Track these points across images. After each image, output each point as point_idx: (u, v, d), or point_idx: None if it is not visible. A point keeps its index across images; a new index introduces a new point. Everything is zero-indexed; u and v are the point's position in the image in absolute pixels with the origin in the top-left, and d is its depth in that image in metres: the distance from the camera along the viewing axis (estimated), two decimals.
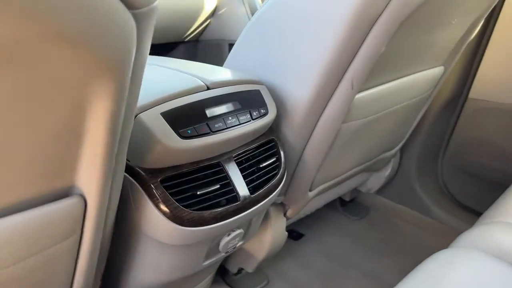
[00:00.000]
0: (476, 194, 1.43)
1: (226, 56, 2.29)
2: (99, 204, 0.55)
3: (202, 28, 2.08)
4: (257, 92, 0.81)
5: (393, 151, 1.34)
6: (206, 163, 0.73)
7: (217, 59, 2.07)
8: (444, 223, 1.48)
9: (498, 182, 1.34)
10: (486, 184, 1.39)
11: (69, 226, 0.54)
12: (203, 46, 2.18)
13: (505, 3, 1.22)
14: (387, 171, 1.44)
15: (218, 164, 0.75)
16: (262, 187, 0.80)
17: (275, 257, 1.27)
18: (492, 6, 1.04)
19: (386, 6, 0.74)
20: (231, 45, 2.07)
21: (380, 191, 1.57)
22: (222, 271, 1.19)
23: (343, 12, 0.75)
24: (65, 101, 0.43)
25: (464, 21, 1.03)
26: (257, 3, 1.85)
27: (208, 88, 0.74)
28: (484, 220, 0.82)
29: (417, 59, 1.02)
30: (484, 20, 1.11)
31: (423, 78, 1.11)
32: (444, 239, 1.44)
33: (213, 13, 2.01)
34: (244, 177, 0.77)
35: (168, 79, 0.76)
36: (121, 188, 0.63)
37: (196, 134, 0.68)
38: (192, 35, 2.07)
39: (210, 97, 0.73)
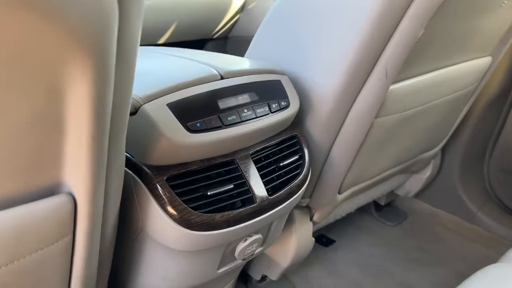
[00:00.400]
0: None
1: None
2: (91, 203, 0.48)
3: (231, 24, 2.02)
4: (278, 83, 0.73)
5: (433, 151, 1.22)
6: (219, 161, 0.66)
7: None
8: (490, 231, 1.34)
9: None
10: None
11: (57, 227, 0.48)
12: (232, 43, 2.13)
13: None
14: (426, 173, 1.32)
15: (233, 162, 0.67)
16: (282, 188, 0.72)
17: (302, 264, 1.18)
18: None
19: None
20: None
21: (419, 194, 1.44)
22: (245, 278, 1.12)
23: None
24: (37, 82, 0.37)
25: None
26: None
27: (221, 78, 0.67)
28: None
29: (461, 48, 0.91)
30: None
31: (467, 69, 0.99)
32: (490, 249, 1.31)
33: (242, 8, 1.95)
34: (262, 176, 0.70)
35: (178, 68, 0.69)
36: (121, 186, 0.57)
37: (206, 127, 0.61)
38: (221, 31, 2.02)
39: (224, 87, 0.65)
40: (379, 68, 0.74)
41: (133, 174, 0.61)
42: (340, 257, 1.25)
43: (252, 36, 2.27)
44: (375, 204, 1.44)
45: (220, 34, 2.04)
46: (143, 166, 0.61)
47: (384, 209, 1.46)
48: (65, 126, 0.41)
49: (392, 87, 0.80)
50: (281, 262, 0.99)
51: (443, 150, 1.34)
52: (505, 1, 0.86)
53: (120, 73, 0.42)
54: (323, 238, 1.31)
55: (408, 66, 0.79)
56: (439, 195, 1.42)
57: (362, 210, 1.41)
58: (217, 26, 1.98)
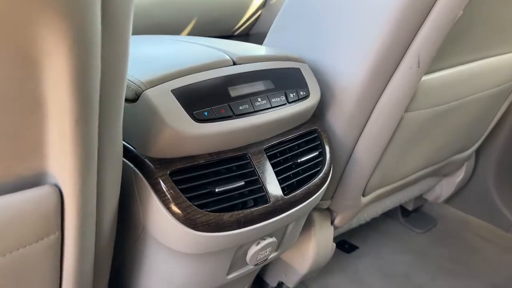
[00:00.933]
0: None
1: None
2: (79, 196, 0.43)
3: (253, 21, 1.96)
4: (297, 71, 0.67)
5: (467, 153, 1.13)
6: (229, 155, 0.59)
7: None
8: None
9: None
10: None
11: (42, 222, 0.43)
12: (254, 40, 2.06)
13: None
14: (459, 177, 1.23)
15: (244, 157, 0.61)
16: (300, 187, 0.65)
17: (322, 271, 1.10)
18: None
19: None
20: None
21: (450, 200, 1.34)
22: (260, 284, 1.05)
23: None
24: (6, 49, 0.31)
25: None
26: None
27: (234, 64, 0.60)
28: None
29: (505, 37, 0.82)
30: None
31: (508, 62, 0.90)
32: None
33: (264, 4, 1.89)
34: (277, 173, 0.63)
35: (187, 52, 0.63)
36: (119, 179, 0.51)
37: (215, 117, 0.55)
38: (242, 28, 1.96)
39: (236, 74, 0.59)
40: (411, 56, 0.66)
41: (134, 167, 0.55)
42: (363, 264, 1.17)
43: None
44: (402, 209, 1.35)
45: (241, 31, 1.98)
46: (144, 159, 0.55)
47: (412, 214, 1.36)
48: (45, 107, 0.36)
49: (424, 78, 0.72)
50: (299, 269, 0.92)
51: (478, 152, 1.24)
52: None
53: (108, 48, 0.36)
54: (345, 244, 1.23)
55: (443, 54, 0.71)
56: (472, 201, 1.32)
57: (387, 215, 1.32)
58: (238, 23, 1.92)
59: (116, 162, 0.49)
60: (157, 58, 0.61)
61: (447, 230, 1.33)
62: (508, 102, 1.06)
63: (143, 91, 0.53)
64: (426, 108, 0.77)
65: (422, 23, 0.63)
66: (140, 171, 0.55)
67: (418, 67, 0.66)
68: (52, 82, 0.34)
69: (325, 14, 0.72)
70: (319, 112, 0.73)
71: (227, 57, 0.61)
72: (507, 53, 0.88)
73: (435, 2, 0.61)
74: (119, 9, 0.35)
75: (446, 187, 1.25)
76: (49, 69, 0.33)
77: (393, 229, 1.32)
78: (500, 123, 1.14)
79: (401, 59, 0.67)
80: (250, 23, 1.99)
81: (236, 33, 1.98)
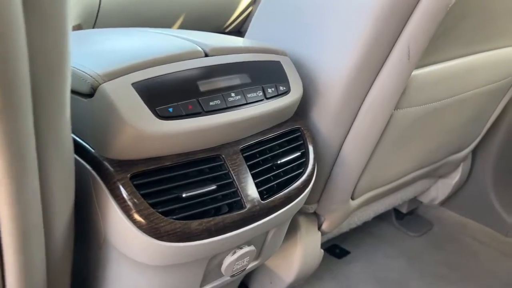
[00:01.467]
0: None
1: None
2: (12, 203, 0.37)
3: (244, 17, 1.91)
4: (277, 64, 0.61)
5: (463, 153, 1.07)
6: (199, 156, 0.54)
7: None
8: None
9: None
10: None
11: None
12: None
13: None
14: (455, 178, 1.17)
15: (218, 158, 0.55)
16: (280, 191, 0.60)
17: (312, 277, 1.05)
18: None
19: None
20: None
21: (446, 202, 1.29)
22: None
23: None
24: None
25: None
26: None
27: (206, 55, 0.55)
28: None
29: (502, 30, 0.77)
30: None
31: (506, 56, 0.85)
32: None
33: (254, 0, 1.84)
34: (255, 176, 0.57)
35: (154, 43, 0.58)
36: (72, 183, 0.46)
37: (181, 113, 0.50)
38: (233, 25, 1.91)
39: (207, 66, 0.54)
40: (400, 47, 0.61)
41: (92, 170, 0.50)
42: (354, 270, 1.11)
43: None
44: (396, 212, 1.30)
45: (233, 27, 1.93)
46: (103, 160, 0.49)
47: (406, 217, 1.31)
48: None
49: (416, 72, 0.66)
50: (285, 277, 0.86)
51: (475, 152, 1.19)
52: None
53: (37, 34, 0.31)
54: (336, 249, 1.18)
55: (435, 47, 0.66)
56: (468, 204, 1.26)
57: (381, 218, 1.26)
58: (228, 19, 1.87)
59: (65, 164, 0.43)
60: (120, 50, 0.55)
61: (443, 233, 1.27)
62: (506, 99, 1.00)
63: (100, 84, 0.47)
64: (418, 105, 0.72)
65: (413, 11, 0.58)
66: (98, 174, 0.49)
67: (409, 59, 0.61)
68: None
69: (309, 5, 0.66)
70: (303, 109, 0.68)
71: (199, 48, 0.55)
72: (504, 46, 0.83)
73: None
74: None
75: (441, 189, 1.20)
76: None
77: (386, 232, 1.27)
78: (497, 122, 1.09)
79: (390, 51, 0.61)
80: (241, 20, 1.94)
81: (228, 29, 1.92)
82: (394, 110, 0.68)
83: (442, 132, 0.88)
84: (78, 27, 1.24)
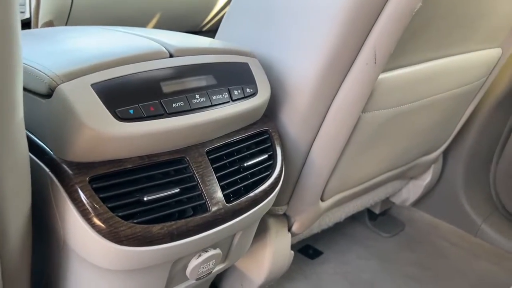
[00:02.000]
0: None
1: None
2: None
3: (220, 17, 1.90)
4: (244, 66, 0.61)
5: (434, 155, 1.09)
6: (163, 158, 0.53)
7: None
8: (497, 246, 1.21)
9: None
10: None
11: None
12: None
13: None
14: (426, 180, 1.19)
15: (182, 160, 0.54)
16: (246, 193, 0.59)
17: (284, 278, 1.05)
18: None
19: None
20: None
21: (418, 203, 1.31)
22: None
23: None
24: None
25: None
26: None
27: (171, 56, 0.54)
28: None
29: (467, 34, 0.78)
30: None
31: (474, 61, 0.86)
32: (495, 265, 1.17)
33: (231, 1, 1.82)
34: (220, 178, 0.57)
35: (116, 42, 0.57)
36: (27, 186, 0.44)
37: (142, 115, 0.49)
38: (209, 25, 1.90)
39: (171, 67, 0.53)
40: (367, 50, 0.61)
41: (49, 172, 0.48)
42: (327, 271, 1.12)
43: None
44: (369, 213, 1.31)
45: (209, 27, 1.92)
46: (61, 163, 0.48)
47: (379, 218, 1.32)
48: None
49: (382, 75, 0.67)
50: (255, 278, 0.86)
51: (445, 154, 1.21)
52: None
53: None
54: (309, 249, 1.18)
55: (403, 51, 0.66)
56: (440, 204, 1.28)
57: (354, 218, 1.27)
58: (205, 19, 1.85)
59: (19, 165, 0.42)
60: (82, 49, 0.54)
61: (414, 234, 1.29)
62: (475, 102, 1.02)
63: (58, 85, 0.46)
64: (386, 108, 0.72)
65: (378, 15, 0.58)
66: (56, 177, 0.48)
67: (375, 63, 0.61)
68: None
69: (278, 7, 0.66)
70: (271, 111, 0.68)
71: (163, 48, 0.54)
72: (473, 51, 0.84)
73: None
74: None
75: (413, 190, 1.21)
76: None
77: (359, 233, 1.28)
78: (468, 124, 1.11)
79: (356, 55, 0.62)
80: (217, 20, 1.93)
81: (204, 29, 1.91)
82: (362, 113, 0.69)
83: (412, 134, 0.89)
84: (49, 24, 1.21)
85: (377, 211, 1.30)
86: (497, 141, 1.19)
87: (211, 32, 2.02)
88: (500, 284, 1.12)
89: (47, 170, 0.49)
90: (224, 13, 2.06)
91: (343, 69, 0.62)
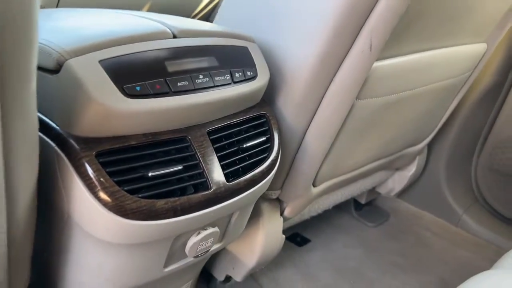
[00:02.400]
0: None
1: None
2: None
3: (213, 6, 1.90)
4: (244, 50, 0.62)
5: (419, 147, 1.12)
6: (166, 137, 0.54)
7: None
8: (476, 235, 1.25)
9: None
10: None
11: None
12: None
13: None
14: (411, 171, 1.23)
15: (184, 139, 0.56)
16: (245, 174, 0.61)
17: (273, 264, 1.07)
18: None
19: None
20: None
21: (402, 194, 1.35)
22: (208, 278, 1.01)
23: None
24: None
25: None
26: None
27: (174, 37, 0.55)
28: None
29: (455, 28, 0.81)
30: None
31: (460, 54, 0.90)
32: (475, 254, 1.22)
33: None
34: (221, 158, 0.58)
35: (122, 23, 0.58)
36: (35, 158, 0.45)
37: (149, 92, 0.50)
38: (201, 14, 1.90)
39: (175, 47, 0.54)
40: (363, 39, 0.63)
41: (56, 147, 0.49)
42: (314, 258, 1.15)
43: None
44: (355, 203, 1.34)
45: (200, 16, 1.92)
46: (68, 137, 0.49)
47: (365, 208, 1.36)
48: None
49: (377, 64, 0.69)
50: (246, 261, 0.88)
51: (429, 146, 1.25)
52: None
53: None
54: (297, 237, 1.21)
55: (395, 41, 0.69)
56: (423, 196, 1.33)
57: (340, 208, 1.31)
58: (196, 7, 1.86)
59: (30, 136, 0.43)
60: (87, 27, 0.55)
61: (399, 224, 1.33)
62: (459, 96, 1.06)
63: (66, 60, 0.47)
64: (378, 96, 0.75)
65: (375, 4, 0.60)
66: (63, 151, 0.49)
67: (370, 51, 0.64)
68: None
69: None
70: (269, 96, 0.69)
71: (167, 29, 0.55)
72: (460, 44, 0.88)
73: None
74: None
75: (398, 181, 1.25)
76: None
77: (345, 222, 1.31)
78: (452, 118, 1.15)
79: (352, 43, 0.64)
80: (209, 9, 1.93)
81: (197, 18, 1.91)
82: (356, 100, 0.71)
83: (400, 124, 0.92)
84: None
85: (363, 201, 1.33)
86: (478, 135, 1.24)
87: (202, 20, 2.02)
88: (478, 271, 1.17)
89: (53, 144, 0.50)
90: (215, 4, 2.07)
91: (339, 56, 0.65)
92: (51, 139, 0.50)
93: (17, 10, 0.34)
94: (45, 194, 0.52)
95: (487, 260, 1.21)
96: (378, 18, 0.61)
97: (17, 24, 0.34)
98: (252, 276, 1.04)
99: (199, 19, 1.93)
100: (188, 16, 1.86)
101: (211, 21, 2.08)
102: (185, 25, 0.58)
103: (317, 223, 1.25)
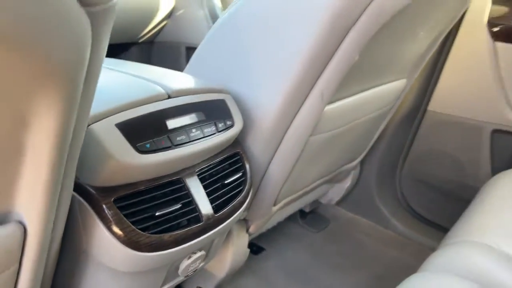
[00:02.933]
0: (434, 206, 1.44)
1: (183, 59, 2.20)
2: (42, 231, 0.46)
3: (158, 29, 1.99)
4: (222, 102, 0.75)
5: (354, 163, 1.32)
6: (166, 180, 0.66)
7: (174, 62, 1.99)
8: (402, 235, 1.48)
9: (456, 194, 1.35)
10: (444, 196, 1.40)
11: (4, 257, 0.45)
12: (158, 47, 2.10)
13: (464, 18, 1.23)
14: (347, 183, 1.42)
15: (179, 181, 0.68)
16: (226, 205, 0.74)
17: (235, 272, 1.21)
18: (456, 20, 1.05)
19: (362, 13, 0.71)
20: (188, 48, 1.99)
21: (340, 202, 1.54)
22: None
23: (319, 18, 0.71)
24: (4, 114, 0.35)
25: (429, 34, 1.02)
26: (216, 7, 1.79)
27: (169, 97, 0.67)
28: (451, 239, 0.80)
29: (386, 70, 1.00)
30: (444, 36, 1.11)
31: (388, 90, 1.09)
32: (402, 252, 1.44)
33: (170, 15, 1.94)
34: (208, 194, 0.71)
35: (124, 85, 0.68)
36: (67, 210, 0.55)
37: (156, 148, 0.61)
38: (147, 36, 1.98)
39: (172, 107, 0.66)
40: (316, 91, 0.79)
41: (78, 196, 0.59)
42: (269, 265, 1.30)
43: (179, 42, 2.26)
44: (301, 212, 1.51)
45: (146, 38, 2.00)
46: (88, 188, 0.59)
47: (309, 216, 1.53)
48: (24, 157, 0.40)
49: (326, 108, 0.85)
50: (217, 274, 1.01)
51: (362, 162, 1.45)
52: (422, 32, 0.97)
53: (83, 97, 0.41)
54: (253, 247, 1.35)
55: (342, 88, 0.85)
56: (358, 203, 1.53)
57: (289, 218, 1.47)
58: (143, 30, 1.93)
59: (68, 195, 0.53)
60: (99, 91, 0.64)
61: (338, 229, 1.52)
62: (386, 121, 1.26)
63: (89, 125, 0.57)
64: (326, 132, 0.91)
65: (327, 65, 0.76)
66: (85, 200, 0.59)
67: (322, 100, 0.79)
68: (38, 136, 0.38)
69: (245, 49, 0.81)
70: (240, 136, 0.83)
71: (163, 91, 0.67)
72: (387, 83, 1.07)
73: (336, 50, 0.74)
74: (95, 69, 0.41)
75: (337, 192, 1.44)
76: (37, 126, 0.37)
77: (293, 230, 1.47)
78: (379, 139, 1.36)
79: (309, 93, 0.79)
80: (155, 32, 2.01)
81: (141, 40, 1.99)
82: (309, 136, 0.87)
83: (340, 149, 1.10)
84: None
85: (307, 210, 1.51)
86: (401, 151, 1.47)
87: (147, 44, 2.11)
88: (406, 266, 1.38)
89: (76, 194, 0.59)
90: (161, 27, 2.15)
91: (298, 104, 0.80)
92: (73, 190, 0.59)
93: (86, 103, 0.43)
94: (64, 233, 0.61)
95: (413, 256, 1.43)
96: (328, 76, 0.77)
97: (94, 67, 0.42)
98: (218, 285, 1.16)
99: (145, 40, 2.02)
100: (135, 37, 1.95)
101: (155, 42, 2.17)
102: (176, 85, 0.70)
103: (270, 233, 1.40)
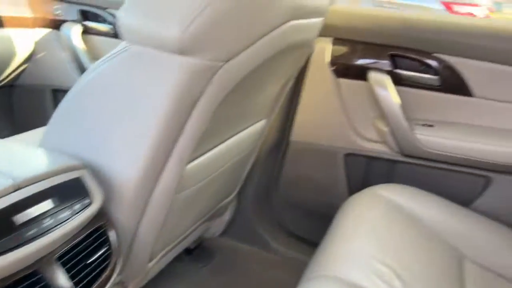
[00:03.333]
0: (307, 225, 1.58)
1: (49, 103, 2.10)
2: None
3: (18, 73, 1.88)
4: (77, 181, 0.75)
5: (230, 198, 1.38)
6: (18, 276, 0.64)
7: (38, 106, 1.90)
8: (283, 256, 1.58)
9: (322, 213, 1.49)
10: (314, 215, 1.53)
11: None
12: (20, 91, 1.98)
13: (310, 60, 1.37)
14: (227, 216, 1.49)
15: (35, 273, 0.66)
16: (96, 281, 0.74)
17: None
18: (299, 69, 1.17)
19: (207, 85, 0.76)
20: (54, 91, 1.91)
21: (223, 233, 1.60)
22: None
23: (164, 94, 0.75)
24: None
25: (279, 81, 1.13)
26: (77, 49, 1.75)
27: (18, 188, 0.65)
28: (311, 273, 0.89)
29: (243, 119, 1.08)
30: (296, 79, 1.24)
31: (249, 133, 1.17)
32: (284, 271, 1.54)
33: (29, 58, 1.84)
34: (72, 277, 0.70)
35: None
36: None
37: (3, 250, 0.59)
38: (7, 79, 1.86)
39: (21, 200, 0.64)
40: (175, 155, 0.82)
41: None
42: None
43: (43, 85, 2.16)
44: (185, 250, 1.54)
45: (6, 82, 1.89)
46: None
47: (194, 252, 1.56)
48: None
49: (187, 166, 0.89)
50: None
51: (239, 193, 1.53)
52: (271, 84, 1.07)
53: None
54: None
55: (199, 147, 0.90)
56: (240, 232, 1.60)
57: (174, 258, 1.48)
58: (2, 74, 1.82)
59: None
60: None
61: (224, 259, 1.58)
62: (254, 156, 1.35)
63: None
64: (192, 187, 0.96)
65: (180, 133, 0.80)
66: None
67: (181, 162, 0.83)
68: None
69: (99, 117, 0.81)
70: (103, 205, 0.83)
71: (9, 182, 0.64)
72: (248, 126, 1.15)
73: (187, 120, 0.79)
74: None
75: (218, 225, 1.50)
76: None
77: (180, 269, 1.49)
78: (251, 170, 1.45)
79: (168, 157, 0.83)
80: (15, 75, 1.91)
81: (1, 83, 1.88)
82: (175, 194, 0.90)
83: (213, 193, 1.15)
84: None
85: (192, 246, 1.54)
86: (273, 179, 1.58)
87: (7, 87, 1.98)
88: (288, 283, 1.49)
89: None
90: (21, 70, 2.05)
91: (158, 169, 0.82)
92: None
93: None
94: None
95: (291, 272, 1.53)
96: (183, 143, 0.81)
97: None
98: None
99: (5, 84, 1.89)
100: None
101: (15, 86, 2.07)
102: (25, 172, 0.67)
103: (156, 278, 1.39)
